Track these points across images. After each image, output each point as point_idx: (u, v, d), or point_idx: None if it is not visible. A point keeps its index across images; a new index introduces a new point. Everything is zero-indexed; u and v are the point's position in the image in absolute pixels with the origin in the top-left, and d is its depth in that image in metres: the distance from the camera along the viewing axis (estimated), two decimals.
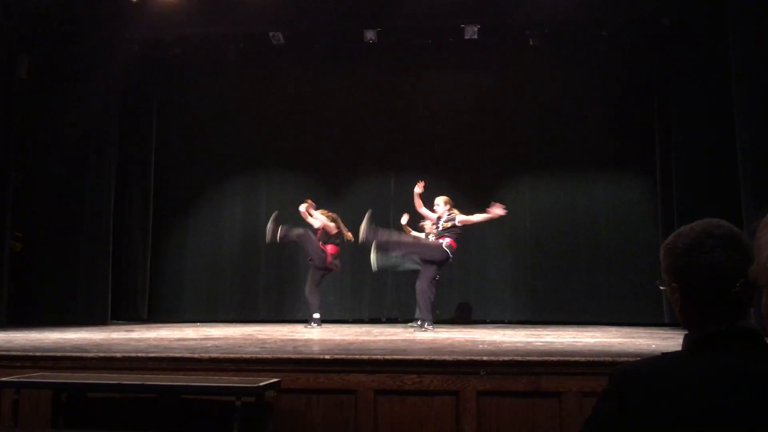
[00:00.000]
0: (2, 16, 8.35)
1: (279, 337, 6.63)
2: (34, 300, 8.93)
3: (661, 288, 1.56)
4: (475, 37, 9.02)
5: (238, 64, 10.08)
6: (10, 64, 8.62)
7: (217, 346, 5.28)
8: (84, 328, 7.72)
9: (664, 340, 6.04)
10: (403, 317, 9.75)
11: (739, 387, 1.30)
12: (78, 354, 4.58)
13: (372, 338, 6.47)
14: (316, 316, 8.39)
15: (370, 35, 9.19)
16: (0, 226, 8.49)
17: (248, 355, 4.43)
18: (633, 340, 6.22)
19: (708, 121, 8.26)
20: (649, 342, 5.93)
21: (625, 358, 4.11)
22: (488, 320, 9.58)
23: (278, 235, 8.36)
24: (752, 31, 7.26)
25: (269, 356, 4.40)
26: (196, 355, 4.44)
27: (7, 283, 8.63)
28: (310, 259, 8.61)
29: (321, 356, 4.30)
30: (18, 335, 6.51)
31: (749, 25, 7.29)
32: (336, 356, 4.31)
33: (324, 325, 8.39)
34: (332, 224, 8.56)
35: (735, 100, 7.37)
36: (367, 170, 10.22)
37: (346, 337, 6.54)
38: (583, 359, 4.18)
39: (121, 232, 9.73)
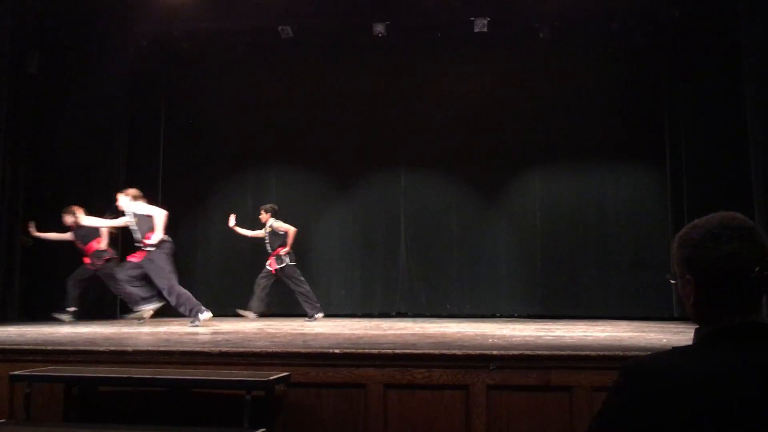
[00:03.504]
0: (12, 13, 8.37)
1: (289, 331, 6.63)
2: (45, 294, 8.98)
3: (672, 282, 1.54)
4: (485, 30, 8.99)
5: (247, 58, 10.09)
6: (20, 60, 8.65)
7: (227, 340, 5.30)
8: (95, 322, 7.77)
9: (675, 334, 6.01)
10: (413, 312, 9.76)
11: (750, 381, 1.29)
12: (89, 348, 4.60)
13: (381, 332, 6.47)
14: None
15: (379, 29, 9.16)
16: (11, 222, 8.53)
17: (258, 349, 4.43)
18: (644, 334, 6.19)
19: (719, 113, 8.21)
20: (660, 336, 5.90)
21: (636, 353, 4.09)
22: (498, 314, 9.57)
23: None
24: (765, 23, 7.19)
25: (279, 350, 4.39)
26: (206, 349, 4.45)
27: (19, 278, 8.69)
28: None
29: (331, 350, 4.30)
30: (30, 329, 6.55)
31: (762, 17, 7.22)
32: (346, 350, 4.30)
33: (334, 319, 8.38)
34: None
35: (747, 93, 7.31)
36: (377, 164, 10.21)
37: (356, 332, 6.54)
38: (593, 353, 4.16)
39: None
